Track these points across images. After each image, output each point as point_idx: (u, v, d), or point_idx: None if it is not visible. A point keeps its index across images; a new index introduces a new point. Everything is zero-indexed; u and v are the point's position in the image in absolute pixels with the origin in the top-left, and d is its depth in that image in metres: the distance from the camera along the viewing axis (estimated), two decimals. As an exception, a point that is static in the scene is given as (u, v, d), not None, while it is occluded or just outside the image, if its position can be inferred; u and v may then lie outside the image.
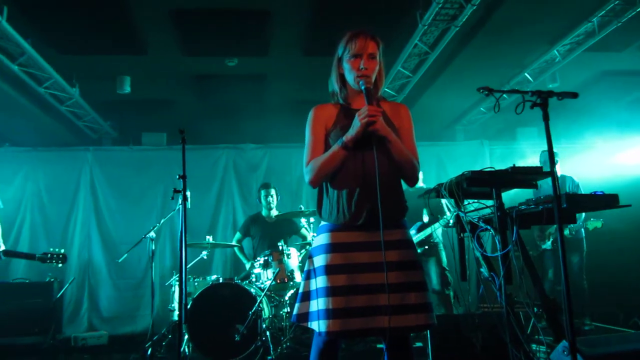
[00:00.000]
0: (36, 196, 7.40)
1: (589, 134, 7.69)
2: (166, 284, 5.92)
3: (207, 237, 5.88)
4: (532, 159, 7.48)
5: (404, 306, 2.20)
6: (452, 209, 4.57)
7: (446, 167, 7.85)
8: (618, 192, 3.08)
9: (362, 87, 2.26)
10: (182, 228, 3.13)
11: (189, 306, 4.84)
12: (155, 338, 5.39)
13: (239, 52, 5.93)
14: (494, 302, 3.95)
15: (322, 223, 2.40)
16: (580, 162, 7.40)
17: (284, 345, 4.97)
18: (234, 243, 6.35)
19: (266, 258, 5.30)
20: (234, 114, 7.45)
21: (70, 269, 7.10)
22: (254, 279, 5.43)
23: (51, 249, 4.41)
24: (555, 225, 5.68)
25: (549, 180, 2.97)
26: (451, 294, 5.68)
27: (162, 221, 5.68)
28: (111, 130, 7.94)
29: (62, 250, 4.43)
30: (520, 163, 6.17)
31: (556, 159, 5.87)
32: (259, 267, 5.37)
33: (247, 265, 6.12)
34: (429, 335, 3.71)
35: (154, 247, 5.46)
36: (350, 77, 2.35)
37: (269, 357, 4.70)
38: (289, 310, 5.27)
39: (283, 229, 6.24)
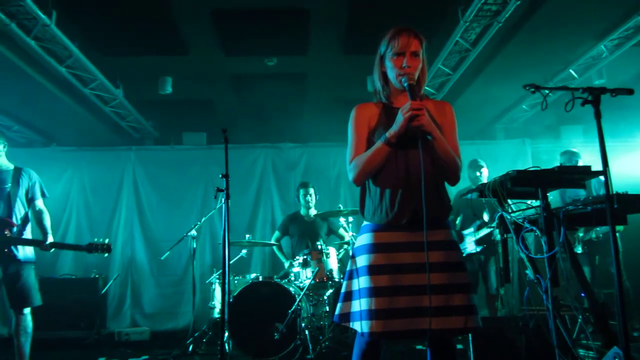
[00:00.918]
0: (81, 194, 7.62)
1: (637, 131, 7.43)
2: (206, 281, 6.00)
3: (247, 235, 5.93)
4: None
5: (448, 308, 2.16)
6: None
7: (487, 167, 7.71)
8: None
9: (405, 84, 2.23)
10: (225, 226, 3.16)
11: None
12: (196, 335, 5.47)
13: (278, 51, 5.96)
14: (537, 305, 3.85)
15: (365, 223, 2.38)
16: (628, 160, 7.16)
17: (323, 345, 4.97)
18: (272, 242, 6.38)
19: (305, 257, 5.31)
20: (272, 113, 7.48)
21: (114, 265, 7.28)
22: (292, 278, 5.45)
23: (95, 239, 4.49)
24: (583, 228, 5.55)
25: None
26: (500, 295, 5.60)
27: (203, 219, 5.76)
28: (153, 130, 8.09)
29: (107, 240, 4.51)
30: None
31: (577, 158, 5.73)
32: (298, 266, 5.39)
33: (286, 264, 6.14)
34: (470, 337, 3.65)
35: (195, 245, 5.53)
36: (392, 76, 2.32)
37: (308, 356, 4.70)
38: (327, 309, 5.27)
39: (322, 228, 6.25)
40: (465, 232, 5.65)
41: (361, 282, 2.25)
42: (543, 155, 7.87)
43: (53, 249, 4.31)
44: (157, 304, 7.37)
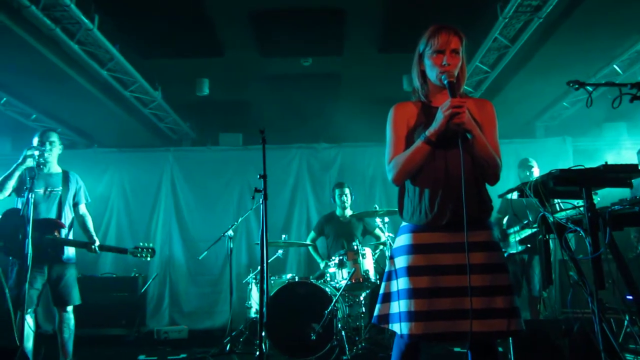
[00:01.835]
0: (121, 195, 7.80)
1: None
2: (243, 281, 6.04)
3: (283, 235, 5.95)
4: (621, 156, 7.06)
5: (490, 310, 2.12)
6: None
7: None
8: None
9: (445, 82, 2.19)
10: (263, 227, 3.17)
11: (264, 305, 4.91)
12: (233, 334, 5.52)
13: (314, 51, 5.96)
14: (581, 308, 3.75)
15: (403, 223, 2.35)
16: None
17: (359, 346, 4.95)
18: (308, 242, 6.39)
19: (341, 257, 5.29)
20: (307, 113, 7.49)
21: (153, 265, 7.42)
22: (328, 279, 5.45)
23: (141, 243, 4.63)
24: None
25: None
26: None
27: (240, 219, 5.80)
28: (190, 131, 8.21)
29: (152, 245, 4.66)
30: (608, 161, 5.81)
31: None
32: (333, 267, 5.38)
33: (322, 265, 6.14)
34: (510, 340, 3.57)
35: (232, 245, 5.58)
36: (432, 74, 2.29)
37: (345, 357, 4.69)
38: (363, 310, 5.24)
39: (357, 228, 6.22)
40: (510, 230, 5.55)
41: (400, 284, 2.23)
42: (585, 153, 7.64)
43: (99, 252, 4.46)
44: (194, 303, 7.48)
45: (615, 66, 5.89)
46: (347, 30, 5.43)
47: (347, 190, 6.26)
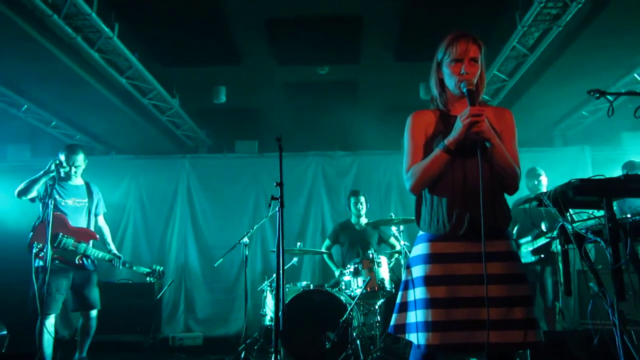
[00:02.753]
0: (138, 201, 7.85)
1: None
2: (258, 289, 6.04)
3: (298, 243, 5.94)
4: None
5: (508, 321, 2.09)
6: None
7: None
8: None
9: (464, 90, 2.17)
10: (280, 234, 3.18)
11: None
12: (248, 341, 5.52)
13: (330, 59, 5.98)
14: (600, 319, 3.68)
15: (421, 233, 2.33)
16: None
17: (374, 355, 4.91)
18: (323, 250, 6.37)
19: (356, 266, 5.26)
20: (323, 121, 7.50)
21: (168, 271, 7.42)
22: (343, 287, 5.42)
23: (154, 266, 4.96)
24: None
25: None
26: (557, 308, 5.41)
27: (256, 227, 5.80)
28: (206, 139, 8.26)
29: (162, 268, 5.02)
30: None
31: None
32: (349, 275, 5.35)
33: (337, 273, 6.11)
34: (528, 352, 3.52)
35: (247, 253, 5.60)
36: (450, 83, 2.27)
37: (360, 366, 4.66)
38: (379, 319, 5.20)
39: (373, 236, 6.19)
40: (522, 240, 5.49)
41: (417, 293, 2.21)
42: (604, 162, 7.54)
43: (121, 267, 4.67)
44: (209, 309, 7.49)
45: (635, 75, 5.83)
46: (363, 38, 5.44)
47: (362, 198, 6.24)
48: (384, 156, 7.72)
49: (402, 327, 2.26)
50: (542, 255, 5.26)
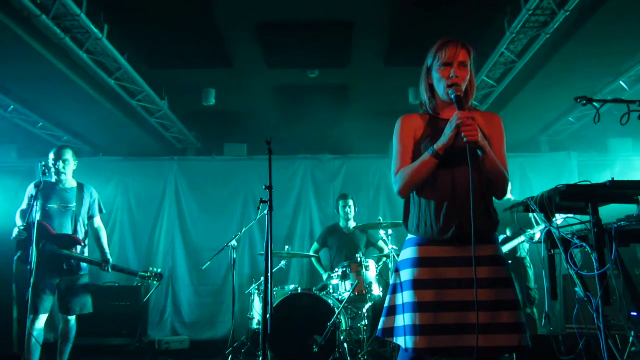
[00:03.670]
0: (126, 203, 7.78)
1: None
2: (245, 292, 6.02)
3: (286, 246, 5.93)
4: (627, 172, 7.05)
5: (495, 325, 2.10)
6: (541, 223, 4.38)
7: (530, 180, 7.59)
8: None
9: (452, 96, 2.19)
10: (269, 237, 3.17)
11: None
12: (235, 345, 5.49)
13: (320, 63, 6.00)
14: (584, 323, 3.71)
15: (409, 236, 2.34)
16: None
17: (362, 358, 4.91)
18: (311, 253, 6.37)
19: (344, 269, 5.26)
20: (312, 124, 7.51)
21: (155, 274, 7.38)
22: (331, 290, 5.41)
23: (151, 268, 4.79)
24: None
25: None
26: (535, 313, 5.43)
27: (244, 230, 5.78)
28: (195, 141, 8.23)
29: (160, 270, 4.85)
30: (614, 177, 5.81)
31: None
32: (337, 279, 5.34)
33: (325, 276, 6.11)
34: (514, 356, 3.54)
35: (235, 256, 5.58)
36: (440, 87, 2.29)
37: (347, 370, 4.65)
38: (366, 322, 5.21)
39: (361, 240, 6.20)
40: None
41: (405, 297, 2.21)
42: (590, 168, 7.62)
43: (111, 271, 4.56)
44: (196, 313, 7.44)
45: (621, 82, 5.91)
46: (354, 42, 5.47)
47: (351, 202, 6.24)
48: (373, 160, 7.73)
49: (390, 331, 2.27)
50: (510, 262, 5.27)
